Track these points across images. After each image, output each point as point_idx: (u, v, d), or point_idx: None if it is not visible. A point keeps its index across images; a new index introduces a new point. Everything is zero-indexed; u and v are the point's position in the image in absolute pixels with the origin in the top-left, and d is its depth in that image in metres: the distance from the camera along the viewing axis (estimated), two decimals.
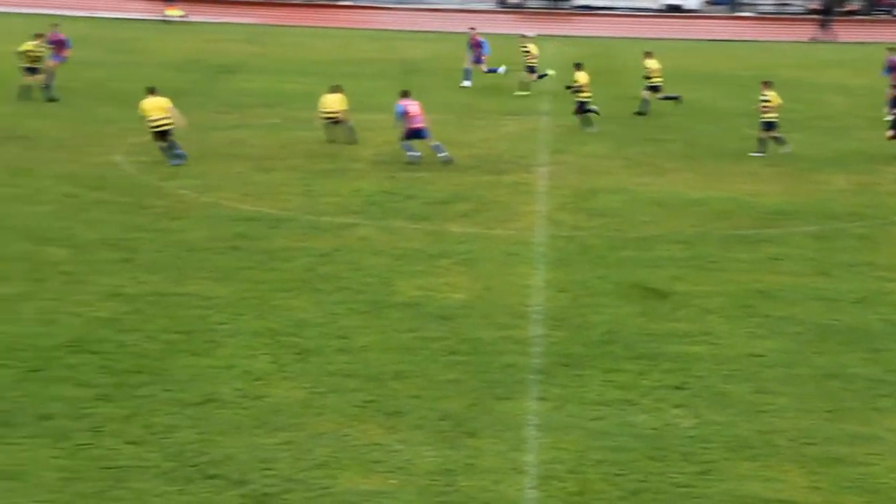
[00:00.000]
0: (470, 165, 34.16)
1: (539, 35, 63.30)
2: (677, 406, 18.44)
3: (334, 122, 36.38)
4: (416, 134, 33.96)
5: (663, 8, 77.62)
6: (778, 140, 35.82)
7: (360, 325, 21.49)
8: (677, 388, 19.11)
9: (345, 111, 36.21)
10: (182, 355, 19.73)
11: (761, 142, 35.87)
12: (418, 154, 33.77)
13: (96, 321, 21.01)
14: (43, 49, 41.71)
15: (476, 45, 48.29)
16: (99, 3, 69.56)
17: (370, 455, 16.64)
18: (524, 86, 46.38)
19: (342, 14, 74.04)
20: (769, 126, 35.85)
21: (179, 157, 32.65)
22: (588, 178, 32.95)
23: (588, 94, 39.34)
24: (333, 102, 36.49)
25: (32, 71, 41.18)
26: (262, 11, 72.96)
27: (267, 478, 15.90)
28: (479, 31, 49.13)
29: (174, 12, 67.20)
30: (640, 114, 42.03)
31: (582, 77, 39.24)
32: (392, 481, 16.00)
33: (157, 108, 32.62)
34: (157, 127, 32.51)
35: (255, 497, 15.46)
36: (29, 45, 41.27)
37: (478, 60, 48.11)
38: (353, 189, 31.13)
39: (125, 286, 22.86)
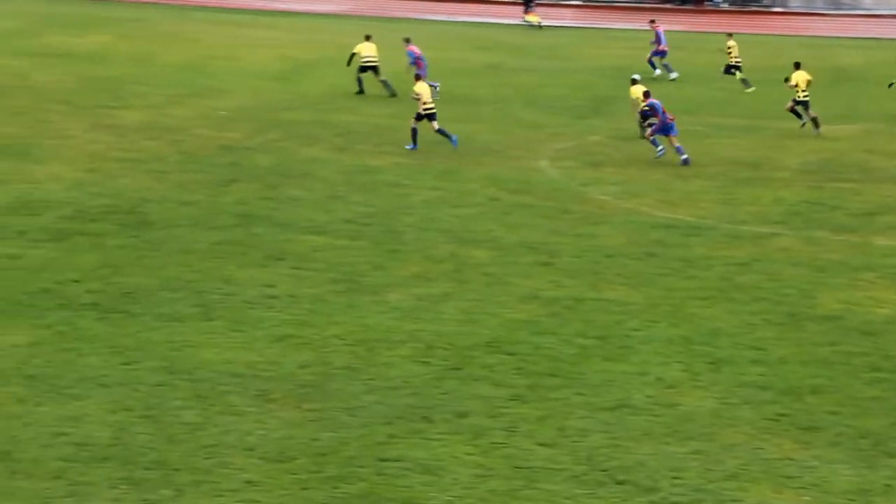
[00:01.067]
0: None
1: None
2: None
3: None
4: (668, 129, 33.90)
5: None
6: None
7: (776, 336, 21.08)
8: None
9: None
10: (596, 360, 19.92)
11: None
12: (663, 149, 33.97)
13: (514, 323, 21.51)
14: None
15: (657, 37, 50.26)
16: (486, 9, 71.31)
17: (783, 470, 16.29)
18: (746, 83, 46.85)
19: (775, 21, 72.77)
20: None
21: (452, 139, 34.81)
22: None
23: (806, 94, 38.33)
24: (637, 91, 36.58)
25: (374, 70, 43.36)
26: (690, 18, 72.67)
27: (676, 486, 15.84)
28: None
29: (532, 18, 68.24)
30: None
31: (800, 76, 38.30)
32: (805, 498, 15.62)
33: (427, 91, 35.30)
34: (428, 110, 34.84)
35: None
36: (362, 49, 43.37)
37: (657, 53, 50.06)
38: (775, 198, 30.56)
39: (543, 289, 23.30)
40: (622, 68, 49.79)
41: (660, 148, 34.25)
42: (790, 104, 38.85)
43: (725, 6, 78.11)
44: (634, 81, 37.56)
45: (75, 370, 18.74)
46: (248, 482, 15.63)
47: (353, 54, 43.78)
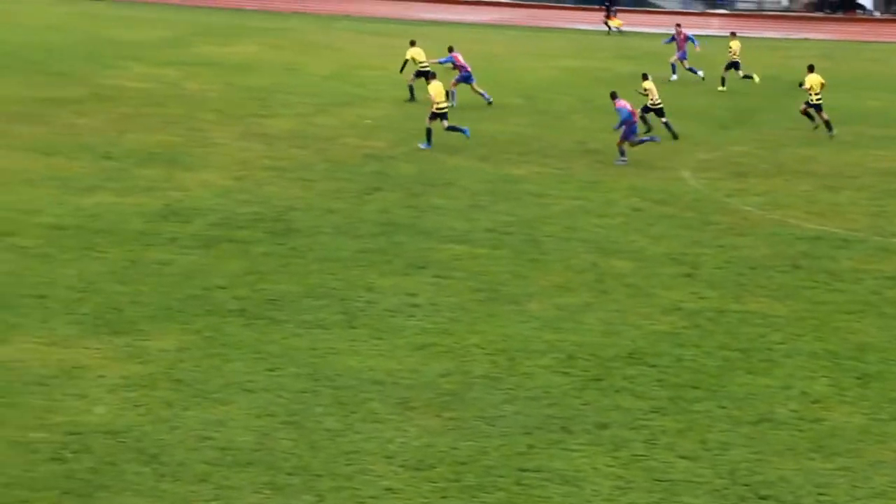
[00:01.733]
0: None
1: None
2: None
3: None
4: (633, 131, 34.50)
5: None
6: None
7: None
8: None
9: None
10: (738, 373, 19.66)
11: None
12: (626, 160, 34.28)
13: (655, 334, 21.34)
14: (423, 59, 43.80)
15: (683, 41, 49.95)
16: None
17: None
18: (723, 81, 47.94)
19: None
20: None
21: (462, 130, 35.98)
22: None
23: (819, 97, 38.56)
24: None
25: (425, 76, 42.90)
26: (841, 27, 71.45)
27: (821, 503, 15.56)
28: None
29: (615, 23, 68.14)
30: None
31: (814, 80, 38.64)
32: None
33: (440, 92, 36.17)
34: (440, 111, 35.81)
35: None
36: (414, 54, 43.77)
37: (683, 56, 49.92)
38: None
39: (685, 301, 23.07)
40: (768, 78, 49.12)
41: (622, 159, 34.47)
42: (803, 107, 39.04)
43: (877, 14, 76.63)
44: (646, 77, 38.48)
45: (221, 375, 19.05)
46: (388, 489, 15.74)
47: (407, 61, 44.06)
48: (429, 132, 35.93)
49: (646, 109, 37.81)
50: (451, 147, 36.45)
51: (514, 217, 28.71)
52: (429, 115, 36.04)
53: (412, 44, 44.53)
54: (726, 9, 76.72)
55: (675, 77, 49.65)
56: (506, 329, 21.42)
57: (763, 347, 20.75)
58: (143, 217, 27.47)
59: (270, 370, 19.35)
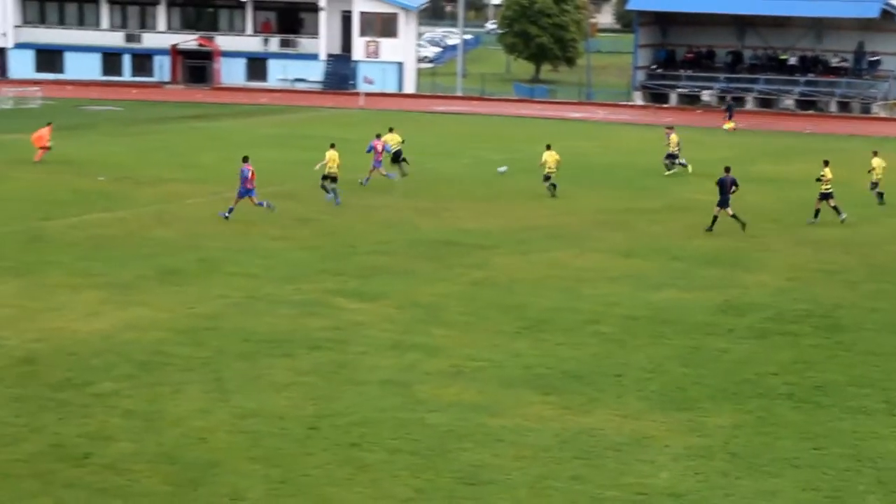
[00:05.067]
0: None
1: None
2: None
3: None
4: (248, 192, 36.13)
5: None
6: None
7: None
8: None
9: None
10: None
11: None
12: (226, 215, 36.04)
13: None
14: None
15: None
16: None
17: None
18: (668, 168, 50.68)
19: None
20: None
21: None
22: None
23: (828, 188, 38.96)
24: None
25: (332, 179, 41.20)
26: None
27: None
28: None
29: (728, 125, 63.74)
30: None
31: (828, 172, 38.90)
32: None
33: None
34: (330, 173, 40.05)
35: None
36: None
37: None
38: None
39: None
40: None
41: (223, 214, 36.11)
42: (818, 199, 39.24)
43: None
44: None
45: (771, 451, 19.00)
46: None
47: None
48: (322, 187, 40.00)
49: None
50: None
51: None
52: (321, 176, 39.95)
53: (390, 130, 46.40)
54: None
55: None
56: None
57: None
58: (705, 310, 27.86)
59: (815, 449, 19.06)
